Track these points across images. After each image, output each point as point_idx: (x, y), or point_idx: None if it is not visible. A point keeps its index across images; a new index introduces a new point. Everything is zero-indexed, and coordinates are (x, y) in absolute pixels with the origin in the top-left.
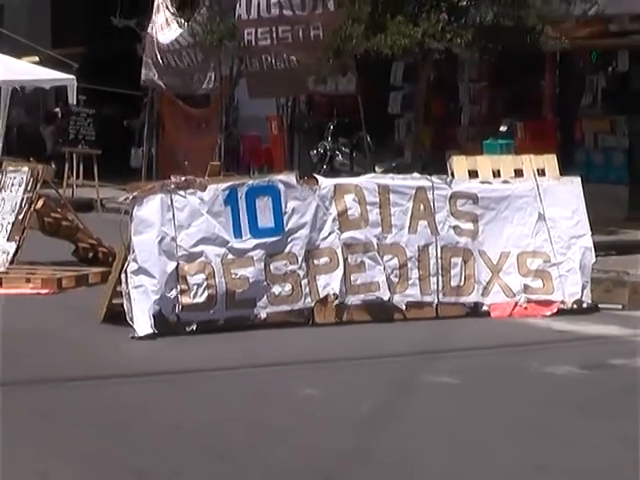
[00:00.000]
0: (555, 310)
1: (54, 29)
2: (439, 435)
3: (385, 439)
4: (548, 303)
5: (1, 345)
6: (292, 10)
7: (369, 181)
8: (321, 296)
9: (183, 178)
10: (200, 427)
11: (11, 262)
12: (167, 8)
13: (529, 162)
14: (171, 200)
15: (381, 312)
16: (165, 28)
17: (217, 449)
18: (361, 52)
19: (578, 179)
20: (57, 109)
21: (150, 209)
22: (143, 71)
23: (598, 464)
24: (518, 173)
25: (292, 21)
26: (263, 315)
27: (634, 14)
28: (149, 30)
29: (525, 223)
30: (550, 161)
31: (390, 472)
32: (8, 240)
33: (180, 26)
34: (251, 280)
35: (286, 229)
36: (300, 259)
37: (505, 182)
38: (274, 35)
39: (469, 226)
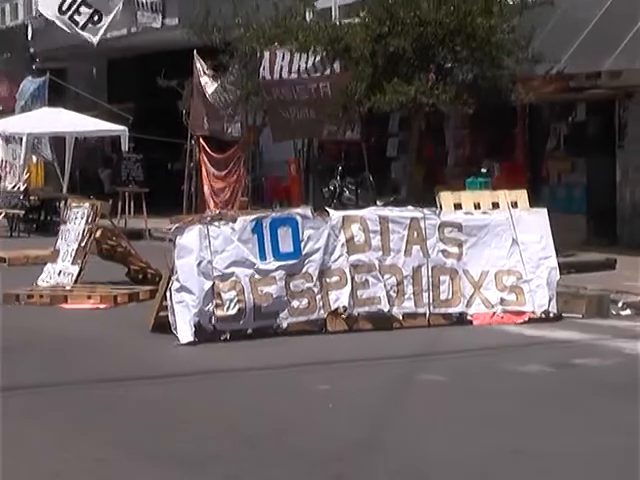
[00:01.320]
0: (527, 319)
1: (110, 88)
2: (432, 424)
3: (387, 427)
4: (521, 313)
5: (65, 350)
6: (307, 72)
7: (371, 213)
8: (332, 308)
9: (217, 211)
10: (233, 418)
11: (75, 282)
12: (205, 72)
13: (504, 196)
14: (207, 230)
15: (382, 322)
16: (209, 86)
17: (247, 436)
18: (365, 110)
19: (545, 210)
20: (113, 155)
21: (190, 237)
22: (192, 120)
23: (569, 448)
24: (495, 205)
25: (307, 81)
26: (284, 325)
27: (589, 73)
28: (200, 88)
29: (501, 247)
30: (521, 195)
31: (392, 454)
32: (72, 263)
33: (214, 84)
34: (274, 296)
35: (303, 253)
36: (315, 278)
37: (484, 213)
38: (293, 92)
39: (455, 250)
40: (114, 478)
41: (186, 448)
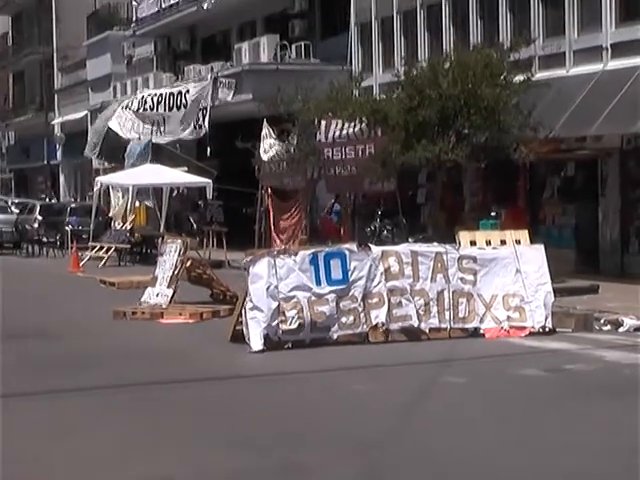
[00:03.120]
0: (528, 333)
1: (198, 149)
2: (451, 415)
3: (415, 420)
4: (523, 328)
5: (160, 355)
6: (355, 136)
7: (404, 248)
8: (373, 324)
9: (282, 247)
10: (288, 411)
11: (169, 302)
12: (271, 135)
13: (510, 235)
14: (274, 261)
15: (413, 334)
16: (269, 148)
17: (297, 427)
18: (399, 164)
19: (542, 246)
20: (200, 202)
21: (261, 267)
22: (262, 174)
23: (562, 438)
24: (503, 242)
25: (355, 143)
26: (335, 337)
27: (577, 137)
28: (262, 150)
29: (507, 275)
30: (524, 234)
31: (416, 441)
32: (167, 287)
33: (278, 146)
34: (327, 314)
35: (350, 280)
36: (359, 299)
37: (494, 248)
38: (343, 153)
39: (471, 277)
40: (194, 459)
41: (254, 435)
